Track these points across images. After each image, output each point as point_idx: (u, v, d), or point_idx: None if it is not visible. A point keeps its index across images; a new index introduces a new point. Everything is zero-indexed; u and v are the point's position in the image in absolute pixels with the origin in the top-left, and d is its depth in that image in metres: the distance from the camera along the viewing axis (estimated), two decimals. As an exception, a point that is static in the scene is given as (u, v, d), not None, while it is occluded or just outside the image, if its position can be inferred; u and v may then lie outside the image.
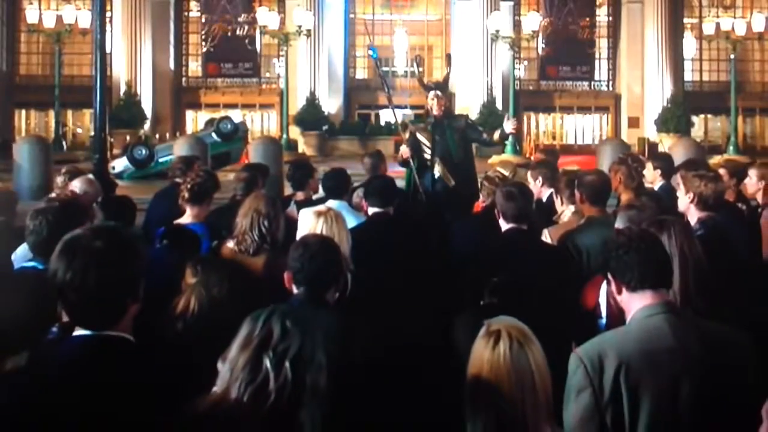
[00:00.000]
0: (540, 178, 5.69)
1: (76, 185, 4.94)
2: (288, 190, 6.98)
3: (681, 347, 2.15)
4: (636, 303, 2.23)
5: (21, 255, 3.87)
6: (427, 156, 7.54)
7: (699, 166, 4.68)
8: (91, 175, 5.47)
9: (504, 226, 3.99)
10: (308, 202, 5.29)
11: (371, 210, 4.51)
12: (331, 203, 4.40)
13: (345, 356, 2.04)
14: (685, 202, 4.06)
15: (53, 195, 4.48)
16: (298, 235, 3.32)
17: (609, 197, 4.42)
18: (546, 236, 4.36)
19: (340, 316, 2.43)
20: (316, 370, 1.78)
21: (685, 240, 2.60)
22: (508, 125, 7.70)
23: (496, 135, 7.88)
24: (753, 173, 5.35)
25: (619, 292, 2.26)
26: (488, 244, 3.99)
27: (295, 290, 2.82)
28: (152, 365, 1.77)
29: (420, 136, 7.67)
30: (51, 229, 2.88)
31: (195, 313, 2.84)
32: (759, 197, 5.37)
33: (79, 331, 1.78)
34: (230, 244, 3.69)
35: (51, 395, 1.70)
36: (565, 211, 4.78)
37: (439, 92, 7.84)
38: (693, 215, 4.00)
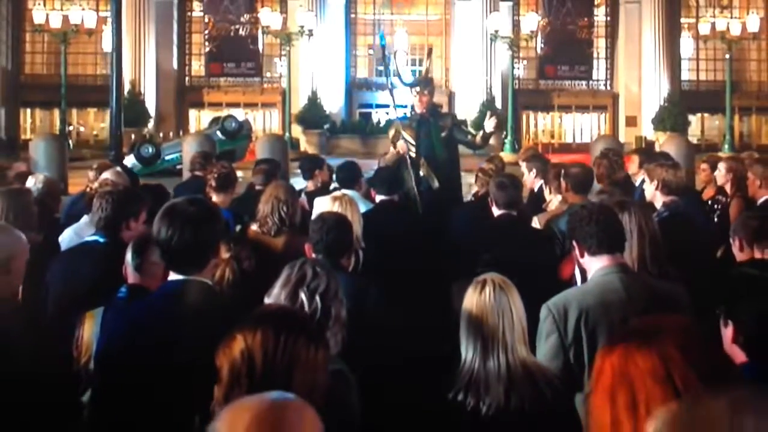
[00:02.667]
0: (534, 170, 6.19)
1: (107, 176, 5.45)
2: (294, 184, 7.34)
3: (629, 298, 2.67)
4: (595, 264, 2.76)
5: (67, 238, 4.38)
6: (412, 155, 7.26)
7: (658, 157, 5.19)
8: (119, 168, 6.01)
9: (496, 212, 4.52)
10: (318, 193, 5.79)
11: (378, 197, 5.06)
12: (344, 192, 4.88)
13: (359, 309, 2.55)
14: (651, 189, 4.57)
15: (93, 186, 5.00)
16: (312, 221, 3.82)
17: (591, 187, 4.91)
18: (535, 222, 4.88)
19: (355, 277, 2.94)
20: (338, 303, 2.32)
21: (642, 218, 3.10)
22: (489, 123, 7.43)
23: (479, 137, 7.61)
24: (722, 166, 5.84)
25: (582, 256, 2.79)
26: (482, 227, 4.52)
27: (315, 259, 3.32)
28: (224, 300, 2.31)
29: (405, 134, 7.41)
30: (114, 208, 3.42)
31: (229, 282, 3.35)
32: (728, 188, 5.85)
33: (173, 276, 2.33)
34: (254, 226, 4.21)
35: (159, 319, 2.30)
36: (553, 200, 5.30)
37: (419, 88, 7.54)
38: (659, 200, 4.51)
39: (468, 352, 2.44)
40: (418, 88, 7.55)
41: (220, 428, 1.15)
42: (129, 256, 2.94)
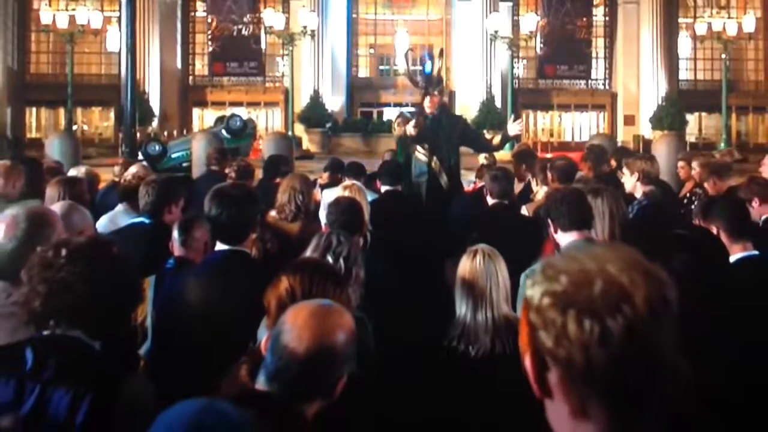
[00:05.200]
0: (524, 165, 6.70)
1: (134, 170, 5.96)
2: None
3: (595, 265, 3.17)
4: (566, 239, 3.29)
5: (102, 225, 4.87)
6: (424, 154, 7.21)
7: (631, 153, 5.73)
8: (144, 162, 6.56)
9: (490, 201, 5.09)
10: (329, 186, 6.34)
11: (383, 188, 5.63)
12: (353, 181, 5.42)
13: (368, 281, 3.07)
14: (632, 181, 5.10)
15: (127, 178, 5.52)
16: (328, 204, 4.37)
17: (574, 177, 5.44)
18: (524, 210, 5.42)
19: (365, 252, 3.45)
20: (358, 266, 2.83)
21: (613, 202, 3.60)
22: (514, 127, 7.37)
23: (497, 139, 7.53)
24: (695, 164, 6.36)
25: (556, 232, 3.32)
26: (478, 214, 5.09)
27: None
28: (258, 264, 2.84)
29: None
30: (158, 194, 3.96)
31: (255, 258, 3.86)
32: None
33: (220, 246, 2.87)
34: (273, 213, 4.72)
35: (212, 278, 2.81)
36: (539, 192, 5.82)
37: (431, 90, 7.44)
38: (639, 190, 5.04)
39: (461, 307, 2.97)
40: (429, 89, 7.48)
41: (286, 320, 1.69)
42: (176, 233, 3.47)
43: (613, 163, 6.53)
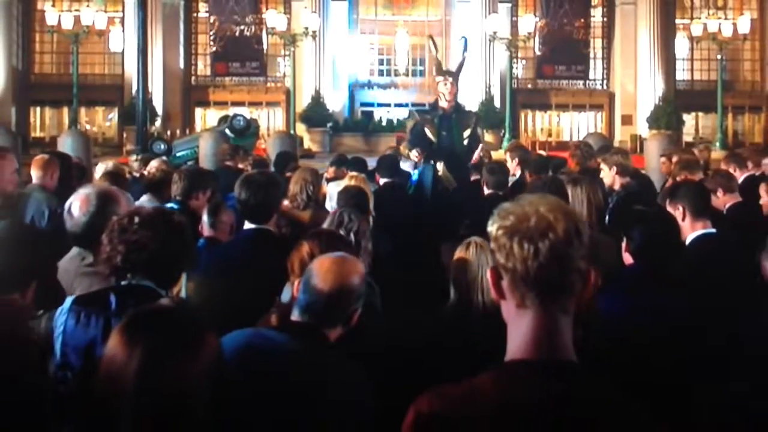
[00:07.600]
0: (516, 159, 7.18)
1: (156, 164, 6.44)
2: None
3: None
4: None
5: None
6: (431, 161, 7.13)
7: (610, 150, 6.24)
8: (164, 157, 7.05)
9: (486, 191, 5.60)
10: (334, 179, 6.83)
11: (382, 180, 6.15)
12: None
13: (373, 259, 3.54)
14: (611, 175, 5.57)
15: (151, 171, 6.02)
16: (336, 193, 4.86)
17: (549, 166, 5.93)
18: (516, 201, 5.90)
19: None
20: (366, 240, 3.30)
21: (591, 190, 4.06)
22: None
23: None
24: (675, 159, 6.85)
25: (537, 216, 3.78)
26: (474, 204, 5.60)
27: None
28: (281, 240, 3.36)
29: (426, 130, 7.39)
30: (190, 181, 4.44)
31: (270, 244, 4.33)
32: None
33: (248, 225, 3.35)
34: (285, 202, 5.20)
35: (240, 252, 3.31)
36: (531, 184, 6.33)
37: (449, 77, 7.42)
38: (617, 182, 5.52)
39: (455, 293, 3.38)
40: (449, 79, 7.44)
41: (313, 267, 2.19)
42: (205, 217, 3.97)
43: (598, 160, 7.02)
